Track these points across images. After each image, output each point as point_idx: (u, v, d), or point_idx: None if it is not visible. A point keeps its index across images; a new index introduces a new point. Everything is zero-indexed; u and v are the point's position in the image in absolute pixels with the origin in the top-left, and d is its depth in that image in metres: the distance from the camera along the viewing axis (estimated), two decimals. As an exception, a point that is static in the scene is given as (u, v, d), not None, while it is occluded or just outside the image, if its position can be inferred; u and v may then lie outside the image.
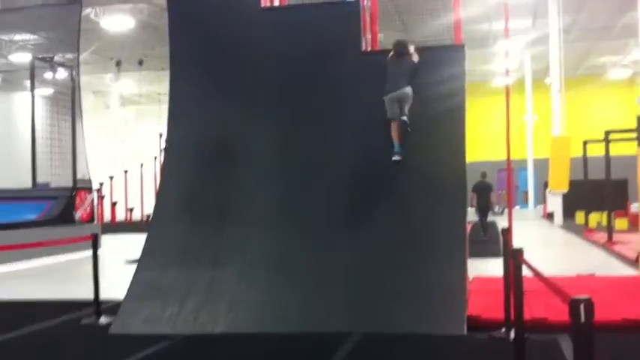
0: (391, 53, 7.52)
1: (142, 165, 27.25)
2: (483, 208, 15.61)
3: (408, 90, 7.21)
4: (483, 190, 15.70)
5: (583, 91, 32.49)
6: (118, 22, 22.86)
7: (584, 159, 17.84)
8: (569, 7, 21.35)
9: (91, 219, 16.63)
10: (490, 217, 16.74)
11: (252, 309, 6.38)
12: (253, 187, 7.29)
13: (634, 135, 12.35)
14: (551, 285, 3.39)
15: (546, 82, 24.84)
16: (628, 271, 10.17)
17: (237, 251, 6.86)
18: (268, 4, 8.33)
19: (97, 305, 6.87)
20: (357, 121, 7.41)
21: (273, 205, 7.16)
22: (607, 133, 15.10)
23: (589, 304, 2.59)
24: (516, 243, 5.85)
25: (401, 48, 7.50)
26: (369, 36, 8.39)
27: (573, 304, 2.61)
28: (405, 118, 7.13)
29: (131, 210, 28.31)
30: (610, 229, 14.51)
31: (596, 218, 18.79)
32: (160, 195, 7.65)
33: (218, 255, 6.87)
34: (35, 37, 22.07)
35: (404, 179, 7.09)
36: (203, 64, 7.90)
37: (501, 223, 20.76)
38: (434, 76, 7.47)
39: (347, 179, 7.19)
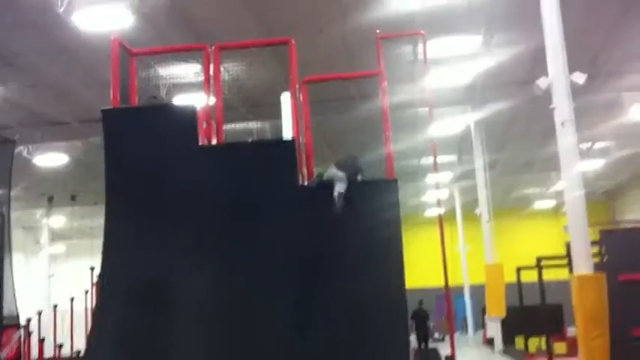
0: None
1: (72, 299, 26.20)
2: (423, 336, 15.65)
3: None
4: (422, 318, 15.78)
5: (512, 221, 33.71)
6: (51, 159, 22.79)
7: (519, 285, 18.25)
8: (492, 145, 22.59)
9: (17, 357, 15.71)
10: (431, 344, 16.76)
11: None
12: (188, 331, 7.09)
13: (564, 261, 12.78)
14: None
15: (476, 213, 25.71)
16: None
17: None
18: (205, 143, 8.49)
19: None
20: (297, 257, 7.42)
21: (211, 347, 6.96)
22: (539, 259, 15.58)
23: None
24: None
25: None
26: (305, 171, 8.61)
27: None
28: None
29: (60, 346, 26.89)
30: (550, 354, 14.61)
31: (535, 343, 18.93)
32: (91, 334, 7.34)
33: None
34: (-36, 174, 21.65)
35: (342, 316, 7.03)
36: (139, 202, 7.86)
37: (443, 349, 20.75)
38: (369, 209, 7.64)
39: (285, 321, 7.10)
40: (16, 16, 14.32)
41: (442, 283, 7.87)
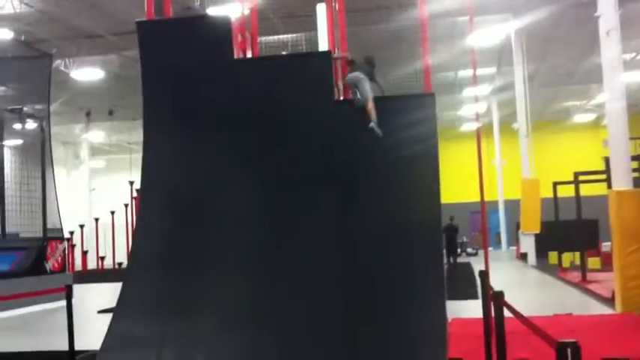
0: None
1: (113, 213, 27.00)
2: (452, 250, 15.98)
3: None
4: (451, 233, 16.03)
5: (550, 135, 33.15)
6: (88, 73, 22.88)
7: (555, 200, 18.12)
8: (533, 55, 21.92)
9: (62, 269, 16.36)
10: (464, 258, 17.04)
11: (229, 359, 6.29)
12: (228, 236, 7.25)
13: (603, 176, 12.62)
14: (534, 327, 3.41)
15: (514, 127, 25.31)
16: (604, 310, 10.27)
17: (213, 301, 6.79)
18: (241, 56, 8.42)
19: (72, 356, 6.76)
20: (331, 171, 7.45)
21: (249, 255, 7.12)
22: (576, 174, 15.39)
23: (575, 348, 2.62)
24: (492, 284, 5.89)
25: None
26: (340, 84, 8.52)
27: (560, 348, 2.63)
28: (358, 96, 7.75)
29: (102, 258, 27.96)
30: (584, 269, 14.67)
31: (569, 258, 18.99)
32: (134, 244, 7.57)
33: (193, 305, 6.79)
34: (4, 88, 21.95)
35: (379, 225, 7.10)
36: (176, 114, 7.90)
37: (476, 264, 20.99)
38: (406, 123, 7.58)
39: (322, 230, 7.19)
40: None
41: (477, 198, 7.85)
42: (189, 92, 7.89)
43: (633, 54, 22.69)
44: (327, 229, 7.17)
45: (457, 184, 30.77)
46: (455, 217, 19.87)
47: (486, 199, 8.46)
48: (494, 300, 4.52)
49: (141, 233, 7.55)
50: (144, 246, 7.38)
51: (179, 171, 7.65)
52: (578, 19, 17.72)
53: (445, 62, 21.78)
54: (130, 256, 7.50)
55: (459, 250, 22.45)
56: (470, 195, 27.80)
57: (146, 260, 7.25)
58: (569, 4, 16.51)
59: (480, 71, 25.14)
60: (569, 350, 2.60)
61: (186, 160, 7.69)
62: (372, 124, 7.42)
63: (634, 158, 10.65)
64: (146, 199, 7.78)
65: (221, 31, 7.74)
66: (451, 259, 18.61)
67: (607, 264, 16.60)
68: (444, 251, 15.65)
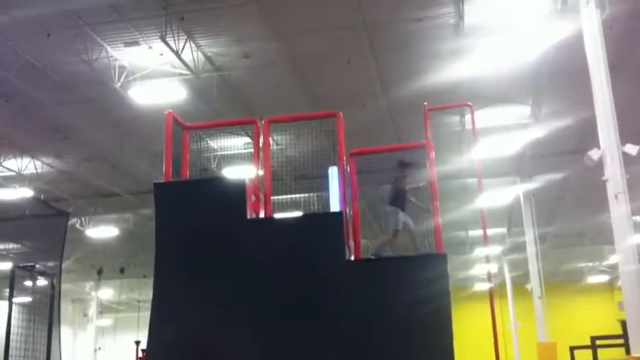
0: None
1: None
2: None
3: (386, 209, 8.58)
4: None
5: (564, 296, 32.73)
6: (102, 231, 23.22)
7: (573, 365, 17.53)
8: (543, 216, 22.20)
9: None
10: None
11: None
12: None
13: (620, 341, 12.27)
14: None
15: (527, 288, 25.04)
16: None
17: None
18: (254, 216, 8.56)
19: None
20: (344, 329, 7.32)
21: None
22: (593, 338, 15.02)
23: None
24: None
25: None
26: (352, 244, 8.58)
27: None
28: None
29: None
30: None
31: None
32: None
33: None
34: (18, 245, 22.22)
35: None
36: (187, 272, 7.92)
37: None
38: (418, 284, 7.53)
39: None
40: (73, 92, 14.96)
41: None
42: (200, 251, 7.95)
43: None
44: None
45: (471, 346, 29.85)
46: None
47: (502, 363, 8.22)
48: None
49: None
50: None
51: (186, 329, 7.52)
52: (584, 182, 18.12)
53: (457, 221, 22.03)
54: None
55: None
56: (485, 358, 26.94)
57: None
58: (575, 170, 16.94)
59: (490, 231, 25.33)
60: None
61: (194, 317, 7.59)
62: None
63: (653, 322, 10.35)
64: (152, 358, 7.59)
65: (235, 191, 7.95)
66: None
67: None
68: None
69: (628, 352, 10.60)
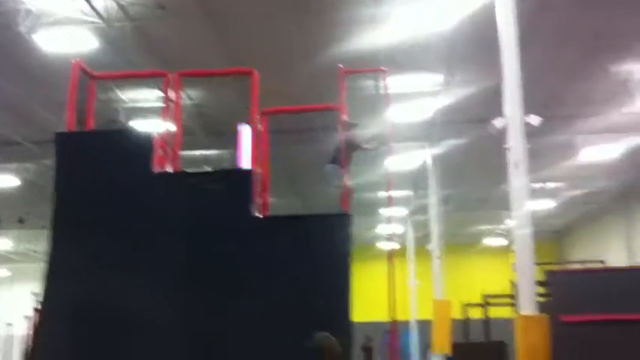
0: None
1: (9, 325, 25.50)
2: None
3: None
4: (368, 352, 16.22)
5: (464, 257, 34.16)
6: (2, 180, 22.33)
7: (465, 321, 18.42)
8: (447, 182, 22.94)
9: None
10: None
11: None
12: (130, 354, 7.00)
13: (510, 300, 12.99)
14: None
15: (428, 249, 25.98)
16: None
17: None
18: (160, 170, 8.46)
19: None
20: (247, 285, 7.42)
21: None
22: (485, 297, 15.79)
23: None
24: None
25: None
26: (260, 201, 8.64)
27: None
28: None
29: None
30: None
31: (478, 380, 19.07)
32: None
33: None
34: None
35: (289, 339, 7.03)
36: (87, 224, 7.76)
37: (389, 388, 20.77)
38: (321, 242, 7.70)
39: (234, 340, 7.06)
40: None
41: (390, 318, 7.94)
42: (102, 204, 7.80)
43: (541, 183, 24.06)
44: (239, 338, 7.05)
45: (374, 302, 30.79)
46: (371, 336, 19.94)
47: (400, 319, 8.55)
48: None
49: (37, 348, 7.17)
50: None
51: (83, 286, 7.40)
52: (489, 149, 18.82)
53: (367, 183, 22.43)
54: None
55: None
56: (385, 315, 27.84)
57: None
58: (481, 137, 17.56)
59: (397, 193, 26.03)
60: None
61: (92, 270, 7.47)
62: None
63: (540, 283, 11.05)
64: (45, 310, 7.42)
65: (141, 144, 7.82)
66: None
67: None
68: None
69: (516, 311, 11.25)
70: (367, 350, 20.79)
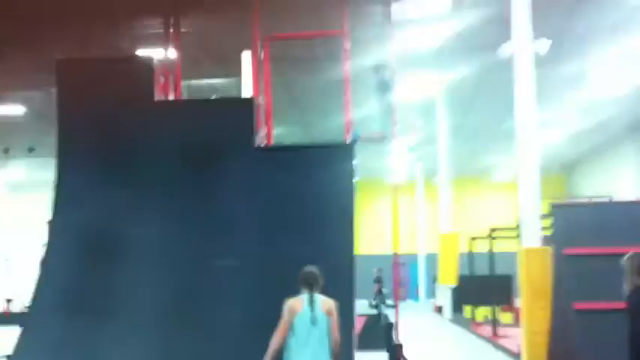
0: None
1: (24, 253, 25.98)
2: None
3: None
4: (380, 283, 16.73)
5: (472, 190, 34.10)
6: (7, 109, 22.31)
7: (471, 255, 18.55)
8: (457, 113, 22.64)
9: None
10: (384, 310, 17.47)
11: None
12: (136, 282, 7.08)
13: (516, 233, 13.00)
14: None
15: (435, 182, 25.93)
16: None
17: (116, 351, 6.57)
18: (162, 98, 8.36)
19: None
20: (249, 216, 7.42)
21: (158, 302, 6.95)
22: (491, 230, 15.82)
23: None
24: (404, 336, 5.91)
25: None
26: (264, 131, 8.55)
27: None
28: None
29: (9, 301, 26.79)
30: (495, 324, 14.95)
31: (483, 312, 19.34)
32: (37, 287, 7.27)
33: (95, 355, 6.56)
34: None
35: (293, 272, 7.05)
36: (92, 153, 7.76)
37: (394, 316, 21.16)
38: (324, 174, 7.65)
39: (239, 275, 7.10)
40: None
41: (401, 251, 7.97)
42: (106, 131, 7.77)
43: (549, 113, 23.67)
44: (245, 273, 7.09)
45: (383, 235, 31.06)
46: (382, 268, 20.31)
47: (408, 252, 8.59)
48: (393, 353, 4.54)
49: (45, 275, 7.26)
50: (48, 288, 7.11)
51: (90, 214, 7.45)
52: (500, 78, 18.48)
53: (375, 113, 22.15)
54: (32, 298, 7.19)
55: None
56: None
57: (48, 303, 6.98)
58: (492, 65, 17.21)
59: (405, 124, 25.78)
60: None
61: (98, 199, 7.51)
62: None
63: (544, 217, 11.01)
64: (53, 239, 7.51)
65: (142, 72, 7.71)
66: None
67: (519, 319, 17.00)
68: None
69: (521, 244, 11.28)
70: (379, 281, 22.97)
